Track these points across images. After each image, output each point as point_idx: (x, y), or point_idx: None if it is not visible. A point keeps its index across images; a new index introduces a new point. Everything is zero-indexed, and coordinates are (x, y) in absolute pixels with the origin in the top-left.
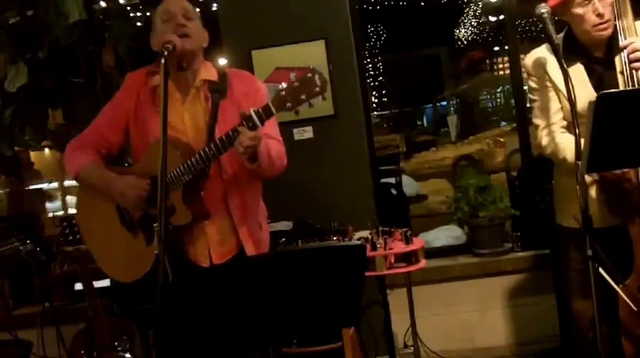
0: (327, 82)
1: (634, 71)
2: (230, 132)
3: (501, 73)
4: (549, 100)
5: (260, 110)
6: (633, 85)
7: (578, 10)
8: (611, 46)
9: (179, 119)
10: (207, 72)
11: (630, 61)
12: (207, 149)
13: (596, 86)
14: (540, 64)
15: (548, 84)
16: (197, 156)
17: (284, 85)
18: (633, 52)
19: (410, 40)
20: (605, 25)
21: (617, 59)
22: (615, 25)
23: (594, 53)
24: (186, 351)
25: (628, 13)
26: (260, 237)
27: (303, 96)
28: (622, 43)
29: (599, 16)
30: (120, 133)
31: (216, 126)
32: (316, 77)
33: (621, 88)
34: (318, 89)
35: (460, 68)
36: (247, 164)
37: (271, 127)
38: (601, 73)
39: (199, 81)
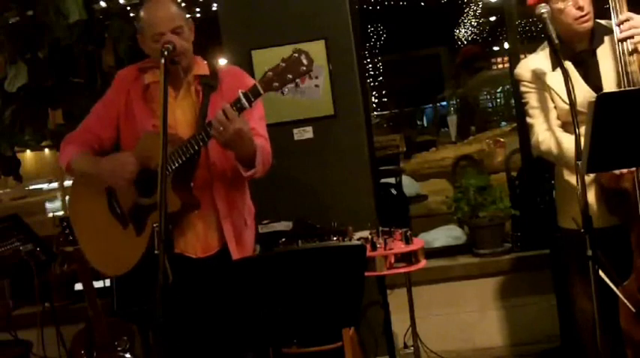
0: (313, 61)
1: (627, 66)
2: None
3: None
4: (545, 100)
5: (248, 91)
6: (627, 78)
7: (559, 5)
8: (593, 37)
9: (171, 115)
10: (200, 67)
11: (622, 36)
12: (196, 134)
13: (586, 78)
14: (531, 70)
15: (541, 86)
16: (187, 142)
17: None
18: (629, 28)
19: (410, 40)
20: (586, 18)
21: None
22: (596, 21)
23: (577, 46)
24: (185, 351)
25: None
26: (244, 234)
27: (289, 76)
28: (618, 18)
29: (580, 9)
30: (111, 129)
31: (206, 119)
32: (302, 57)
33: (607, 77)
34: (304, 68)
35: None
36: (243, 171)
37: (257, 121)
38: (588, 65)
39: (191, 76)
